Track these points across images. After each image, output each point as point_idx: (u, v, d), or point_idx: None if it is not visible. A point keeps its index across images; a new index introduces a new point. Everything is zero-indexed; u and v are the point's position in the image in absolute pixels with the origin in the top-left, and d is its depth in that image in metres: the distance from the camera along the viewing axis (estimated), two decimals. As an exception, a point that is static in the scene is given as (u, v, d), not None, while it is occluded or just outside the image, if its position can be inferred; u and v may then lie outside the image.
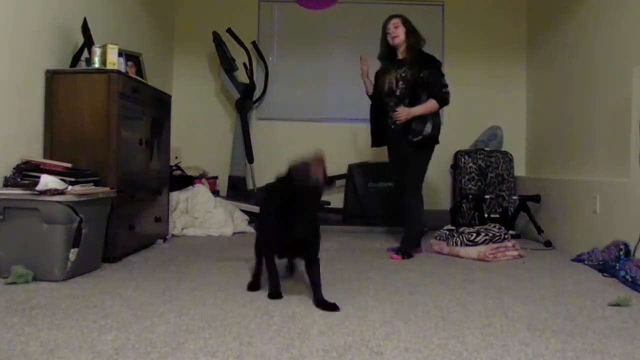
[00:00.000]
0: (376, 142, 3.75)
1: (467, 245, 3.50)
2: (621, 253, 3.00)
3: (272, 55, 5.38)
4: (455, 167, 5.13)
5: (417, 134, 3.44)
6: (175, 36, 5.39)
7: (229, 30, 5.04)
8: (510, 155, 5.10)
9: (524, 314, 2.10)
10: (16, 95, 2.78)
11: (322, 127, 5.32)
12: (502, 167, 5.03)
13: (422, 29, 5.37)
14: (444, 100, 3.46)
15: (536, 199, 4.45)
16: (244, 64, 5.11)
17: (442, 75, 3.49)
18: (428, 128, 3.45)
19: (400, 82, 3.46)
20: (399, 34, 3.49)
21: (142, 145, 3.41)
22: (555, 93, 4.63)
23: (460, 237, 3.56)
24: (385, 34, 3.56)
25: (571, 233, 3.87)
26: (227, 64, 5.02)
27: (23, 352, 1.54)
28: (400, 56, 3.56)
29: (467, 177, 5.02)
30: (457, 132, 5.26)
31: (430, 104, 3.43)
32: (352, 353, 1.60)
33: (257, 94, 5.25)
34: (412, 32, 3.52)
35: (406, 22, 3.53)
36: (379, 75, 3.67)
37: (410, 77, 3.44)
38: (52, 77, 3.00)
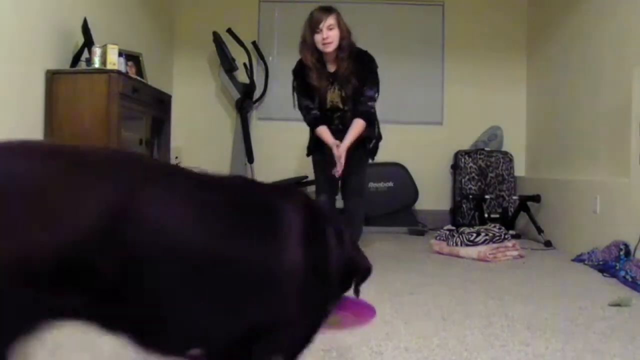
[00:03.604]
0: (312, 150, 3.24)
1: (467, 245, 3.49)
2: (621, 253, 3.00)
3: (272, 55, 5.37)
4: (456, 167, 5.13)
5: (370, 140, 3.13)
6: (175, 36, 5.39)
7: (229, 30, 5.03)
8: (510, 155, 5.10)
9: (524, 314, 2.10)
10: (16, 95, 2.78)
11: (322, 127, 5.31)
12: (502, 167, 5.03)
13: (422, 29, 5.45)
14: (366, 116, 2.98)
15: (536, 199, 4.44)
16: (244, 64, 5.11)
17: (377, 84, 2.99)
18: (377, 129, 3.16)
19: (349, 100, 2.99)
20: (332, 40, 2.80)
21: (142, 145, 3.41)
22: (555, 93, 4.63)
23: (460, 237, 3.56)
24: (312, 32, 2.86)
25: (571, 233, 3.87)
26: (227, 64, 5.02)
27: (23, 352, 1.53)
28: (331, 68, 2.94)
29: (467, 177, 5.02)
30: (457, 132, 5.26)
31: (359, 126, 2.94)
32: (352, 353, 1.60)
33: (257, 94, 5.24)
34: (347, 36, 2.87)
35: (341, 22, 2.86)
36: (313, 87, 3.01)
37: (356, 92, 2.96)
38: (52, 77, 2.99)
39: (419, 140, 5.23)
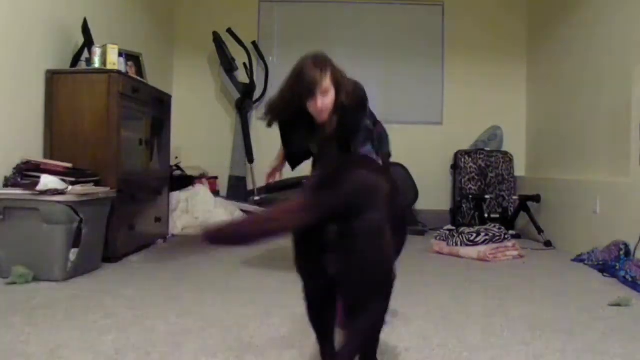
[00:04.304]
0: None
1: (467, 245, 3.50)
2: (621, 253, 3.00)
3: (272, 55, 5.37)
4: (456, 167, 5.13)
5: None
6: (175, 36, 5.39)
7: (229, 30, 5.03)
8: (510, 155, 5.10)
9: (524, 314, 2.10)
10: (16, 95, 2.78)
11: (322, 127, 5.31)
12: (502, 167, 5.03)
13: (422, 29, 5.45)
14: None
15: (536, 199, 4.44)
16: (244, 64, 5.11)
17: (370, 137, 2.45)
18: (388, 147, 2.72)
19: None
20: (329, 107, 2.18)
21: (142, 145, 3.41)
22: (555, 93, 4.63)
23: (460, 237, 3.56)
24: (302, 94, 2.17)
25: (571, 233, 3.87)
26: (227, 64, 5.02)
27: (23, 352, 1.54)
28: (318, 121, 2.27)
29: (467, 177, 5.02)
30: (457, 132, 5.26)
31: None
32: (352, 353, 1.60)
33: (257, 94, 5.24)
34: (343, 90, 2.22)
35: (337, 75, 2.21)
36: (293, 134, 2.51)
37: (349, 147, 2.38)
38: (52, 77, 2.99)
39: (419, 140, 5.23)
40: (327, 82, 2.18)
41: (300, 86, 2.18)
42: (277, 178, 2.71)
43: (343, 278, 1.19)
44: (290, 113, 2.30)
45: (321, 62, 2.22)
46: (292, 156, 2.65)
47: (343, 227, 1.14)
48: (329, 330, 1.35)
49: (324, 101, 2.18)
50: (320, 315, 1.35)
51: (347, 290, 1.22)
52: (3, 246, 2.47)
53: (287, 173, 4.97)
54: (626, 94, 3.23)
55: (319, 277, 1.22)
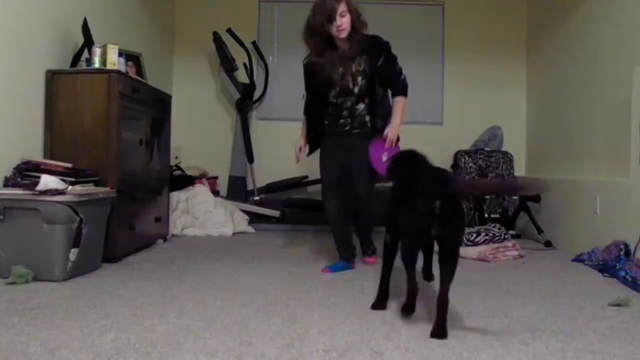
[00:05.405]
0: (314, 146, 3.16)
1: (467, 245, 3.49)
2: (621, 253, 3.00)
3: (272, 55, 5.38)
4: (456, 167, 5.12)
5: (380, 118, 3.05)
6: (175, 36, 5.39)
7: (229, 30, 5.03)
8: (511, 155, 5.10)
9: (524, 314, 2.10)
10: (16, 95, 2.78)
11: (322, 127, 5.31)
12: (502, 167, 5.03)
13: (422, 29, 5.45)
14: (405, 91, 3.03)
15: (536, 199, 4.44)
16: (244, 64, 5.11)
17: (396, 59, 3.05)
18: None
19: (360, 78, 2.94)
20: (346, 27, 2.86)
21: (142, 145, 3.41)
22: (555, 93, 4.63)
23: (460, 237, 3.56)
24: (326, 19, 2.83)
25: (571, 233, 3.87)
26: (227, 64, 5.02)
27: (23, 352, 1.54)
28: (341, 45, 2.94)
29: (467, 177, 5.02)
30: (457, 132, 5.26)
31: (402, 104, 3.01)
32: (352, 353, 1.60)
33: (257, 94, 5.25)
34: (358, 18, 2.93)
35: (351, 4, 2.90)
36: (317, 68, 3.01)
37: (368, 70, 2.93)
38: (52, 77, 2.99)
39: (419, 140, 5.16)
40: (343, 6, 2.84)
41: (321, 12, 2.84)
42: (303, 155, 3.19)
43: (446, 236, 1.84)
44: (317, 45, 2.93)
45: None
46: (311, 104, 3.16)
47: (446, 204, 1.79)
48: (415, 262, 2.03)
49: (342, 20, 2.83)
50: (415, 254, 2.01)
51: (448, 243, 1.87)
52: (3, 246, 2.48)
53: (287, 173, 4.96)
54: (626, 94, 3.24)
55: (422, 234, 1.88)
